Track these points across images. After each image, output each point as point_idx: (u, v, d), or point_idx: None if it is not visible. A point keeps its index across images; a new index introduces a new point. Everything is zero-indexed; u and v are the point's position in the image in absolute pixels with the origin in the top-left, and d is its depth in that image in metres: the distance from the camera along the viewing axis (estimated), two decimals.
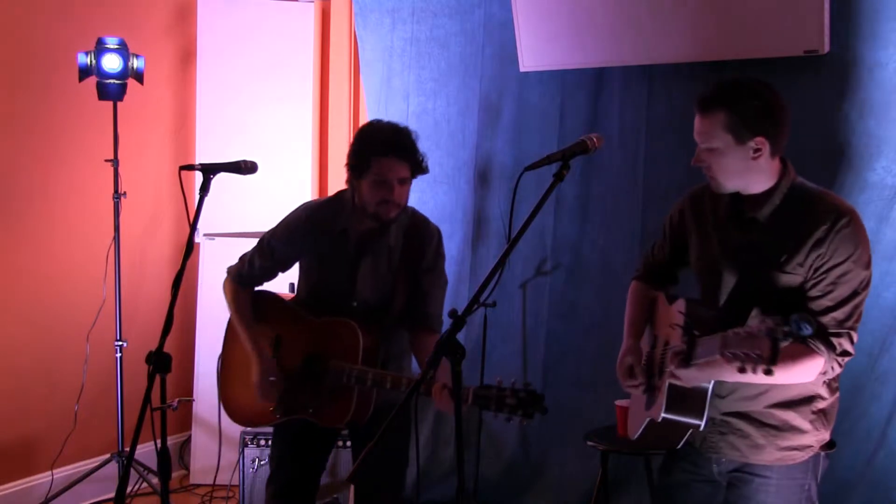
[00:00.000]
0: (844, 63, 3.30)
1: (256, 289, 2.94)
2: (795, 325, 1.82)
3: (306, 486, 2.91)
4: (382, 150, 2.65)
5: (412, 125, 4.28)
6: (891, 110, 3.24)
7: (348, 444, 3.07)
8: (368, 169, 2.66)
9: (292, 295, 3.04)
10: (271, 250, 2.85)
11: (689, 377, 2.19)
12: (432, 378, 2.49)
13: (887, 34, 3.23)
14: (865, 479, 3.25)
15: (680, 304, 2.32)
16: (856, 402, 3.23)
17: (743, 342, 1.89)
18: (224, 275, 2.94)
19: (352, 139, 2.76)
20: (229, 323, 2.96)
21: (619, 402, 3.32)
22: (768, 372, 1.84)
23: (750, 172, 2.20)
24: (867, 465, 3.24)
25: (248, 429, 3.83)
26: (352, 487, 3.40)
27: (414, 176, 2.73)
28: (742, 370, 1.90)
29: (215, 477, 4.11)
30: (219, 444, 4.00)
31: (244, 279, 2.89)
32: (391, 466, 2.82)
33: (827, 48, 3.25)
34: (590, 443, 3.31)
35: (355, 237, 2.77)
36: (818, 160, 3.22)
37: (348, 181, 2.75)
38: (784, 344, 1.82)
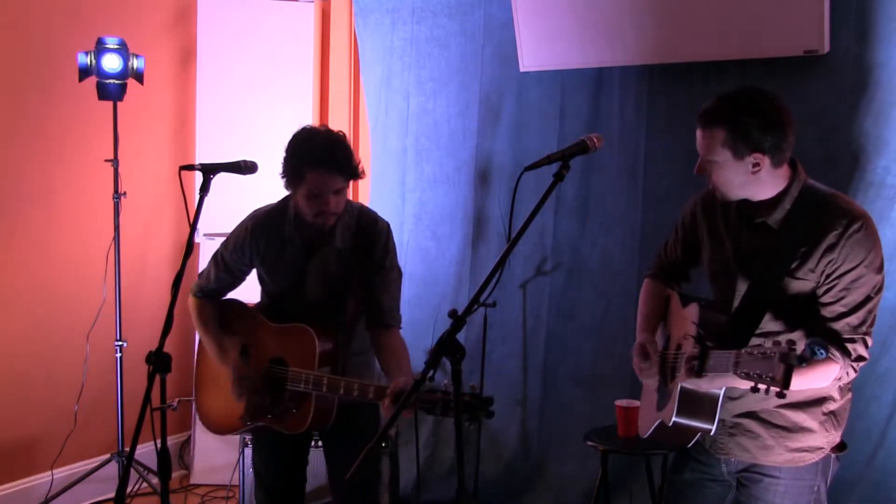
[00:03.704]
0: (844, 63, 3.30)
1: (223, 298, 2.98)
2: (809, 350, 1.83)
3: (291, 489, 2.95)
4: (315, 163, 2.62)
5: (412, 125, 4.38)
6: (891, 110, 3.24)
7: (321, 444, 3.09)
8: (303, 181, 2.64)
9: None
10: (224, 261, 2.88)
11: (701, 386, 2.19)
12: (384, 386, 2.50)
13: (887, 34, 3.23)
14: (865, 479, 3.25)
15: (693, 312, 2.31)
16: (855, 403, 3.21)
17: (757, 363, 1.90)
18: None
19: (285, 147, 2.72)
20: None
21: (619, 402, 3.32)
22: (781, 395, 1.86)
23: (751, 184, 2.19)
24: (867, 465, 3.24)
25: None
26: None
27: (348, 182, 2.71)
28: (755, 389, 1.91)
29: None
30: (231, 444, 4.01)
31: (204, 292, 2.93)
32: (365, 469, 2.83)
33: (827, 48, 3.25)
34: (590, 443, 3.31)
35: (301, 241, 2.79)
36: (818, 160, 3.22)
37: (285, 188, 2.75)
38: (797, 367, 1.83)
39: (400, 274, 2.89)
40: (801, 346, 1.86)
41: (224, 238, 2.93)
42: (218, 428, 2.98)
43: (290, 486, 2.94)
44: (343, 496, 2.90)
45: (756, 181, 2.18)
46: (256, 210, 2.91)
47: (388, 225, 2.86)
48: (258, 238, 2.82)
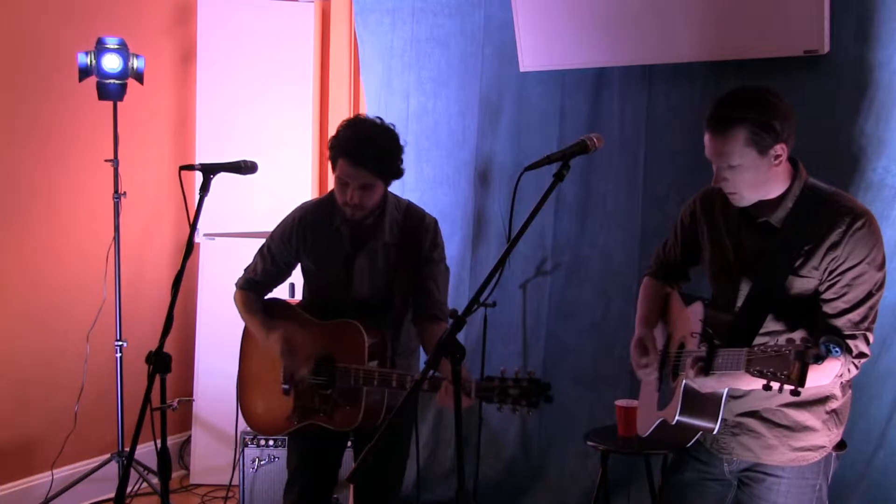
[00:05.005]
0: (844, 63, 3.30)
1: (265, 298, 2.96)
2: (825, 347, 1.83)
3: (324, 491, 2.92)
4: (345, 152, 2.62)
5: (412, 125, 4.38)
6: (891, 110, 3.24)
7: (349, 443, 3.07)
8: (336, 167, 2.66)
9: (296, 300, 3.05)
10: (271, 254, 2.87)
11: (707, 385, 2.18)
12: (438, 376, 2.45)
13: (887, 34, 3.23)
14: (865, 479, 3.25)
15: (698, 310, 2.30)
16: (855, 402, 3.21)
17: (770, 360, 1.90)
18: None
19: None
20: (244, 333, 2.97)
21: (619, 402, 3.32)
22: (795, 393, 1.86)
23: (770, 181, 2.19)
24: (867, 465, 3.24)
25: (248, 429, 3.83)
26: (350, 486, 3.40)
27: (386, 181, 2.69)
28: (767, 388, 1.91)
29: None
30: (231, 444, 4.00)
31: (250, 285, 2.91)
32: (389, 465, 2.82)
33: (827, 48, 3.25)
34: (590, 443, 3.31)
35: (349, 235, 2.77)
36: (818, 160, 3.19)
37: None
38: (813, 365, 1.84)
39: (448, 270, 2.87)
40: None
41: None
42: (264, 428, 2.96)
43: (323, 485, 2.91)
44: (366, 492, 2.87)
45: (775, 177, 2.18)
46: (305, 202, 2.90)
47: (435, 220, 2.86)
48: (306, 229, 2.81)
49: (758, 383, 1.94)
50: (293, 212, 2.87)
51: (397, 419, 2.87)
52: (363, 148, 2.62)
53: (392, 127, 2.73)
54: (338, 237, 2.78)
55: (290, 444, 2.97)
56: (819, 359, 1.84)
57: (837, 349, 1.83)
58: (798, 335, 1.89)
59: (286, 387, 2.79)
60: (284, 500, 2.95)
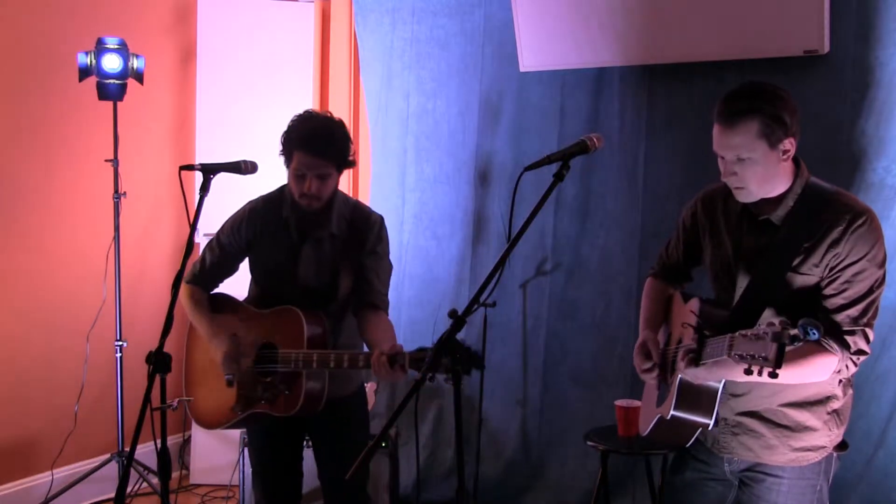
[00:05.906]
0: (844, 63, 3.30)
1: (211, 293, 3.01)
2: (802, 329, 1.83)
3: (289, 483, 2.97)
4: (302, 144, 2.71)
5: (412, 125, 4.38)
6: (891, 110, 3.24)
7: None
8: (291, 160, 2.74)
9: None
10: (219, 244, 2.92)
11: (699, 376, 2.20)
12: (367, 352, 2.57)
13: (887, 34, 3.23)
14: (865, 479, 3.25)
15: (693, 304, 2.32)
16: (855, 402, 3.20)
17: (750, 344, 1.91)
18: None
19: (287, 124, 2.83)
20: (190, 329, 3.01)
21: (619, 402, 3.32)
22: (773, 375, 1.86)
23: (777, 176, 2.19)
24: (867, 465, 3.24)
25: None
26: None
27: (339, 171, 2.79)
28: (748, 372, 1.91)
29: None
30: (231, 444, 3.99)
31: (198, 278, 2.96)
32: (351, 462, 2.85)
33: (827, 48, 3.25)
34: (590, 443, 3.31)
35: (296, 224, 2.83)
36: (818, 160, 3.21)
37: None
38: (790, 348, 1.83)
39: (391, 266, 2.94)
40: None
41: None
42: (209, 422, 2.98)
43: (287, 482, 2.96)
44: (333, 490, 2.91)
45: (781, 172, 2.18)
46: (254, 199, 2.96)
47: (381, 218, 2.92)
48: (255, 219, 2.87)
49: (741, 368, 1.94)
50: (243, 206, 2.94)
51: (360, 416, 2.97)
52: (320, 139, 2.73)
53: (340, 119, 2.86)
54: (285, 227, 2.84)
55: (248, 441, 3.05)
56: (796, 340, 1.84)
57: (815, 331, 1.82)
58: (779, 320, 1.89)
59: (230, 377, 2.82)
60: (254, 496, 3.02)
